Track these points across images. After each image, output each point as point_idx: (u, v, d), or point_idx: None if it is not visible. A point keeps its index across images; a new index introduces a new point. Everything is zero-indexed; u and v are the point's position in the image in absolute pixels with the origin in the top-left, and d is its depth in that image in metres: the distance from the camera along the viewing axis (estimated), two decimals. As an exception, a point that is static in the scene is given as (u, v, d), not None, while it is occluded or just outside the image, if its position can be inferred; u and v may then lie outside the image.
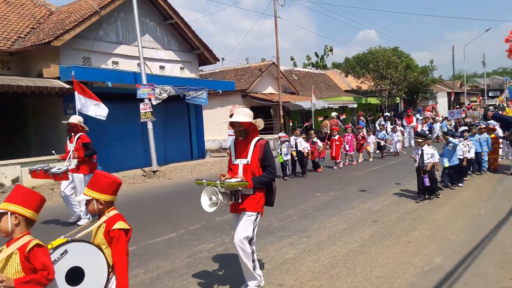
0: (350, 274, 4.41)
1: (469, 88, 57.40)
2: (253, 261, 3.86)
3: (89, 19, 13.38)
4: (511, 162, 10.75)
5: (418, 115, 23.34)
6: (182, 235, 6.27)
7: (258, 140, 3.92)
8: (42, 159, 12.03)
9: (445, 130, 19.61)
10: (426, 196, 7.88)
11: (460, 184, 9.07)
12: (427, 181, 7.63)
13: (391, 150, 16.06)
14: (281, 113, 21.92)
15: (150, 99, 13.31)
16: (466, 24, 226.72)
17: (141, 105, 13.22)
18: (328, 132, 18.62)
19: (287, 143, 11.77)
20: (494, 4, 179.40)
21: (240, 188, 3.72)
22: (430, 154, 7.76)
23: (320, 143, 12.71)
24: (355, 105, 28.34)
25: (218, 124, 20.20)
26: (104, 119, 11.72)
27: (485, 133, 10.57)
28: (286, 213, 7.37)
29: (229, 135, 13.34)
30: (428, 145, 7.89)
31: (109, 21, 14.68)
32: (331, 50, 46.86)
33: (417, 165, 7.88)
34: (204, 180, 3.74)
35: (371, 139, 15.34)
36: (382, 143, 15.51)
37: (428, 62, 38.12)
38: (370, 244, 5.41)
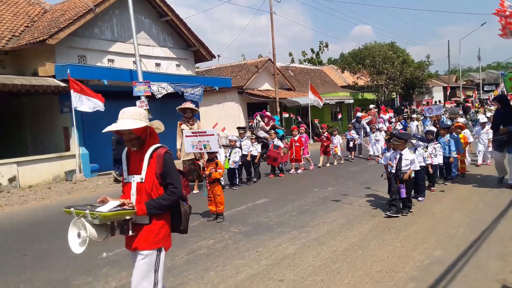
0: (350, 269, 4.41)
1: (465, 82, 57.61)
2: None
3: (83, 17, 13.32)
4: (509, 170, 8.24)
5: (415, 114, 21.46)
6: (181, 232, 6.24)
7: (155, 149, 2.91)
8: (38, 158, 12.03)
9: (430, 129, 18.11)
10: (403, 210, 6.50)
11: (420, 199, 7.43)
12: (403, 192, 6.38)
13: (370, 153, 13.72)
14: (278, 110, 21.90)
15: (147, 97, 13.25)
16: (461, 18, 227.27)
17: (138, 103, 13.14)
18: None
19: (237, 148, 10.10)
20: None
21: (127, 217, 2.71)
22: (410, 160, 6.45)
23: (283, 146, 11.18)
24: (352, 101, 28.38)
25: (214, 121, 20.23)
26: (103, 109, 11.79)
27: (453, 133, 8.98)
28: (285, 209, 7.37)
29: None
30: (408, 149, 6.62)
31: (104, 19, 14.60)
32: (326, 45, 46.90)
33: (393, 171, 6.51)
34: (72, 209, 2.64)
35: (337, 139, 13.23)
36: (351, 144, 13.86)
37: (425, 57, 38.32)
38: (369, 238, 5.42)
